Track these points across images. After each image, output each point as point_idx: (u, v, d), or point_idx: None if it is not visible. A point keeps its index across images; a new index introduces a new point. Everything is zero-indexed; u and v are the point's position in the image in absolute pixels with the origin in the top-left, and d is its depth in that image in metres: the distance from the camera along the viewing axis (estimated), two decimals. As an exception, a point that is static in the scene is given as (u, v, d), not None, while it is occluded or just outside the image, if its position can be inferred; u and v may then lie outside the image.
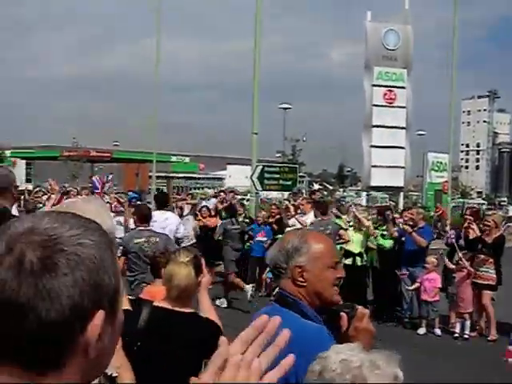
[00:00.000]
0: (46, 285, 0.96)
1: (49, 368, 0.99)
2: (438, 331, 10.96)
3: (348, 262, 11.83)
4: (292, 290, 2.55)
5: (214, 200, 18.38)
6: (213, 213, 15.80)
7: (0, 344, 0.97)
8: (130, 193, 23.36)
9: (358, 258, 11.98)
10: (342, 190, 62.31)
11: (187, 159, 77.13)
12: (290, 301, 2.52)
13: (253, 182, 17.63)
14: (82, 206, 2.06)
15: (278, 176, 18.41)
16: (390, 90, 27.76)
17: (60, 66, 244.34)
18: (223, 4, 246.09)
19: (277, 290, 2.62)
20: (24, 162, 67.58)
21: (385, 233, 12.04)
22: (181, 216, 15.53)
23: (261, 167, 17.81)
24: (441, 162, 32.05)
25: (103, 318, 1.01)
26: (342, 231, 12.40)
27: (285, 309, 2.46)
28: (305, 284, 2.53)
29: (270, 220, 14.79)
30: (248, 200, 20.50)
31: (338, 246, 11.61)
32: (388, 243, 11.97)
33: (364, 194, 32.63)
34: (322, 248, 2.57)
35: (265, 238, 14.15)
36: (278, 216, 14.92)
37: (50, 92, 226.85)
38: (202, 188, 64.90)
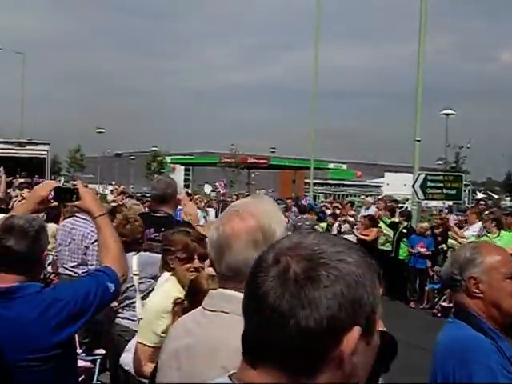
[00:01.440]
0: (307, 294, 1.05)
1: (304, 374, 1.07)
2: None
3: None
4: (467, 302, 2.55)
5: (373, 208, 17.81)
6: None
7: (262, 347, 1.09)
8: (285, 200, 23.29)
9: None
10: (508, 199, 59.03)
11: (344, 166, 76.76)
12: (465, 314, 2.54)
13: (415, 190, 16.92)
14: (256, 205, 1.95)
15: (441, 185, 17.53)
16: None
17: (219, 76, 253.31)
18: (384, 7, 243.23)
19: (440, 302, 2.52)
20: (183, 167, 70.28)
21: None
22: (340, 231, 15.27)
23: (423, 175, 17.05)
24: None
25: (359, 334, 1.06)
26: None
27: (460, 321, 2.53)
28: (481, 295, 2.52)
29: (435, 231, 14.16)
30: (406, 208, 19.72)
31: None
32: None
33: (534, 204, 30.49)
34: (498, 258, 2.55)
35: (424, 249, 13.52)
36: (442, 227, 14.24)
37: (209, 100, 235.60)
38: (359, 195, 64.08)
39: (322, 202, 42.71)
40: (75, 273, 6.40)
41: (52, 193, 2.88)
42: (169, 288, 3.94)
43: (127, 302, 5.14)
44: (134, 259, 5.02)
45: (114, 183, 32.41)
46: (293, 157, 62.36)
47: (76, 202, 2.88)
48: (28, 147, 25.07)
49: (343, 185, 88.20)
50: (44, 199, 2.85)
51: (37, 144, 25.74)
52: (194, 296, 3.13)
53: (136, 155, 79.17)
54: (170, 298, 3.61)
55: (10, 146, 24.69)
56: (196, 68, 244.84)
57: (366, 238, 14.62)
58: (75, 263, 6.55)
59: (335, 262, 1.08)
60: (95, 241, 5.69)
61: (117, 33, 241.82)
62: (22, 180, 18.55)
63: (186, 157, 71.76)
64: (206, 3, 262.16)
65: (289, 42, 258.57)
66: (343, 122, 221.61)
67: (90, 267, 6.30)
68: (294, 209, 19.56)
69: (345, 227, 15.29)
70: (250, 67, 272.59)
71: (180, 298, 3.49)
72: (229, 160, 52.61)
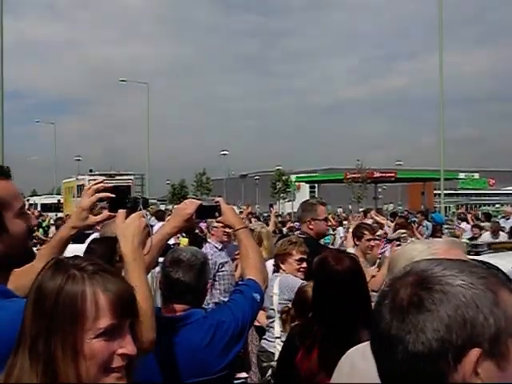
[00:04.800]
0: (411, 319, 1.08)
1: None
2: None
3: None
4: None
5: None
6: None
7: (380, 374, 1.17)
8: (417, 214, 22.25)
9: None
10: None
11: (476, 175, 73.75)
12: None
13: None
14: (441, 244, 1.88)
15: None
16: None
17: (342, 90, 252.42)
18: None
19: None
20: (308, 185, 70.28)
21: None
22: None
23: None
24: None
25: (477, 356, 1.04)
26: None
27: None
28: None
29: None
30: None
31: None
32: None
33: None
34: None
35: None
36: None
37: (332, 116, 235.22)
38: (494, 205, 61.11)
39: (454, 213, 40.87)
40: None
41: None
42: None
43: (268, 321, 5.24)
44: (276, 280, 5.11)
45: (239, 204, 33.35)
46: (420, 168, 60.62)
47: (219, 218, 3.03)
48: (117, 178, 31.10)
49: (475, 194, 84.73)
50: (190, 217, 2.95)
51: (123, 175, 31.83)
52: (301, 305, 3.27)
53: (260, 175, 79.98)
54: None
55: (103, 178, 28.35)
56: (316, 84, 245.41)
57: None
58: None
59: (439, 285, 1.09)
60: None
61: (231, 55, 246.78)
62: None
63: (310, 175, 71.60)
64: (318, 19, 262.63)
65: (412, 52, 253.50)
66: (472, 129, 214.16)
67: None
68: (426, 223, 18.66)
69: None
70: (371, 79, 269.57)
71: (288, 306, 3.60)
72: (355, 175, 51.70)
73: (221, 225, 7.11)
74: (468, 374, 1.04)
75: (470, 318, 1.06)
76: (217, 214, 3.00)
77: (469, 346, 1.04)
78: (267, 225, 11.61)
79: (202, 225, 12.62)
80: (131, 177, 32.34)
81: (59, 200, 36.76)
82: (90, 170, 34.82)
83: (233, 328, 2.73)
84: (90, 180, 29.70)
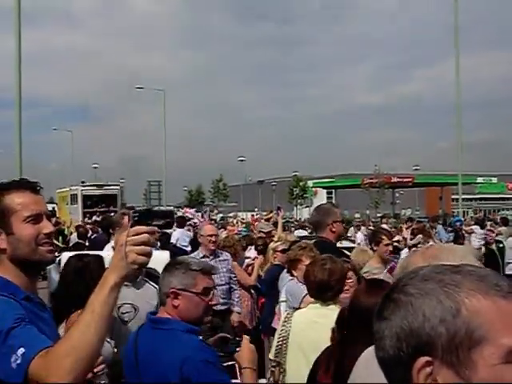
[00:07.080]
0: (376, 326, 1.14)
1: None
2: None
3: None
4: None
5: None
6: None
7: None
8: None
9: None
10: None
11: (494, 179, 73.15)
12: None
13: None
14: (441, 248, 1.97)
15: None
16: None
17: (358, 97, 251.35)
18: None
19: None
20: (325, 191, 70.10)
21: None
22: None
23: None
24: None
25: (422, 365, 1.05)
26: None
27: None
28: None
29: None
30: None
31: None
32: None
33: None
34: None
35: None
36: None
37: (347, 123, 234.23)
38: (512, 209, 60.52)
39: (472, 217, 40.55)
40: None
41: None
42: None
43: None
44: (284, 287, 5.15)
45: (256, 210, 33.48)
46: (438, 173, 60.20)
47: (235, 355, 3.00)
48: (104, 187, 34.74)
49: (494, 199, 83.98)
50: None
51: (110, 185, 35.47)
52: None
53: (278, 181, 79.89)
54: None
55: (93, 188, 34.98)
56: (333, 91, 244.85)
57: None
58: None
59: (397, 294, 1.12)
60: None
61: (246, 63, 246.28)
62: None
63: (327, 180, 71.44)
64: (332, 27, 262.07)
65: (426, 56, 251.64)
66: (489, 133, 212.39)
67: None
68: (439, 226, 18.56)
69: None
70: (387, 86, 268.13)
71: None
72: (372, 180, 51.51)
73: (207, 234, 6.98)
74: (422, 381, 1.06)
75: (415, 327, 1.07)
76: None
77: (418, 354, 1.07)
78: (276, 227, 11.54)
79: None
80: (117, 187, 36.19)
81: (54, 207, 39.07)
82: (82, 182, 39.00)
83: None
84: (82, 190, 34.30)
